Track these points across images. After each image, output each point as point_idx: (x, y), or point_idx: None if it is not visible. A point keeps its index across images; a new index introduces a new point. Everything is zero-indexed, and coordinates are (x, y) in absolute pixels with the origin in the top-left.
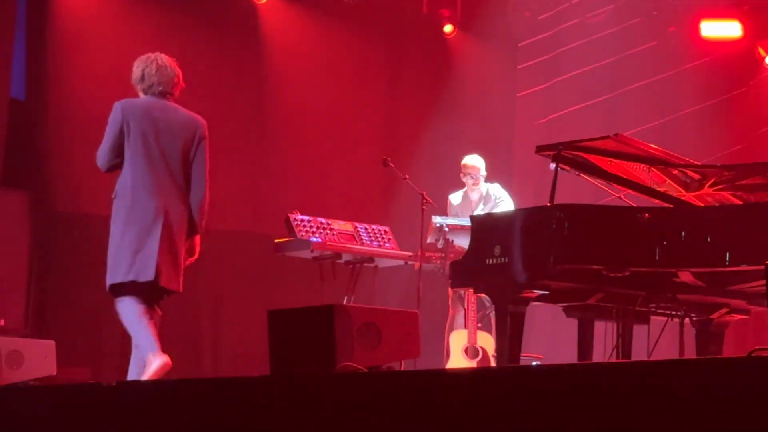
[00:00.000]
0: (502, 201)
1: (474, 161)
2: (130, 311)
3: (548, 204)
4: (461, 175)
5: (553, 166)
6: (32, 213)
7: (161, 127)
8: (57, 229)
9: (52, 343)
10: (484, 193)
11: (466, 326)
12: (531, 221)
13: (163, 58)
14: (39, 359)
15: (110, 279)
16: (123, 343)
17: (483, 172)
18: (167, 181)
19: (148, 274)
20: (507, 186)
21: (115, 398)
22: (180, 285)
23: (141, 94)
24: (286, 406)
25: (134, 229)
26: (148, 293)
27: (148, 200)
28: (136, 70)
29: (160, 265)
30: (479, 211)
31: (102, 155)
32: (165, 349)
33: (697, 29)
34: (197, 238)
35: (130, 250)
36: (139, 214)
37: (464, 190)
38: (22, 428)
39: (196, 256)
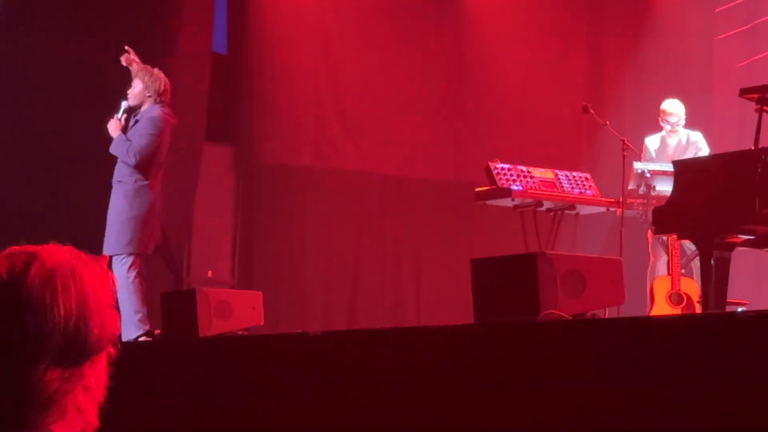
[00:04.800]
0: (701, 152)
1: (673, 107)
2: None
3: (753, 147)
4: (660, 119)
5: (756, 109)
6: (236, 166)
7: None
8: (260, 181)
9: (259, 293)
10: (683, 141)
11: (668, 273)
12: (735, 165)
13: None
14: (247, 309)
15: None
16: (326, 292)
17: (682, 118)
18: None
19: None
20: (706, 131)
21: (321, 347)
22: None
23: (151, 102)
24: (490, 353)
25: (153, 215)
26: None
27: (157, 195)
28: (156, 83)
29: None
30: (678, 158)
31: (143, 157)
32: (368, 298)
33: None
34: None
35: (151, 229)
36: (156, 204)
37: (662, 134)
38: (232, 376)
39: None
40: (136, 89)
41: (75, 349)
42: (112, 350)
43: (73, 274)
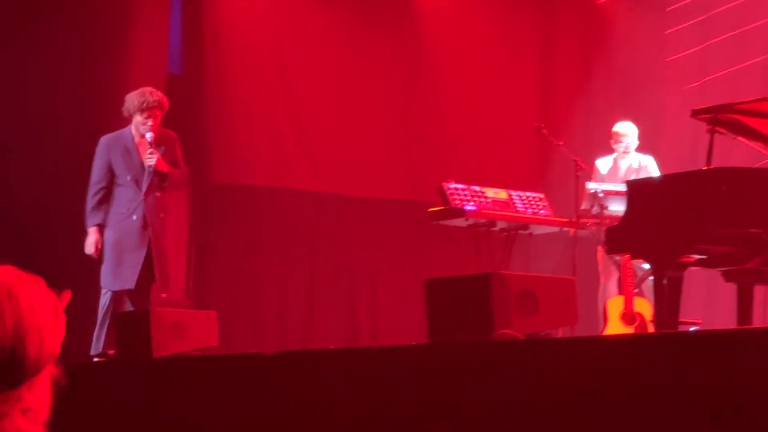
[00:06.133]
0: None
1: (625, 129)
2: None
3: (705, 168)
4: (612, 141)
5: (708, 129)
6: (191, 186)
7: None
8: (215, 201)
9: (213, 313)
10: (635, 164)
11: (620, 292)
12: (689, 185)
13: None
14: (201, 330)
15: None
16: (281, 313)
17: (635, 141)
18: None
19: None
20: (657, 152)
21: (276, 367)
22: None
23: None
24: (444, 373)
25: None
26: None
27: None
28: (157, 96)
29: None
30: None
31: None
32: (323, 318)
33: None
34: None
35: None
36: None
37: (613, 156)
38: (186, 397)
39: None
40: (158, 118)
41: (10, 371)
42: (53, 369)
43: (8, 295)
